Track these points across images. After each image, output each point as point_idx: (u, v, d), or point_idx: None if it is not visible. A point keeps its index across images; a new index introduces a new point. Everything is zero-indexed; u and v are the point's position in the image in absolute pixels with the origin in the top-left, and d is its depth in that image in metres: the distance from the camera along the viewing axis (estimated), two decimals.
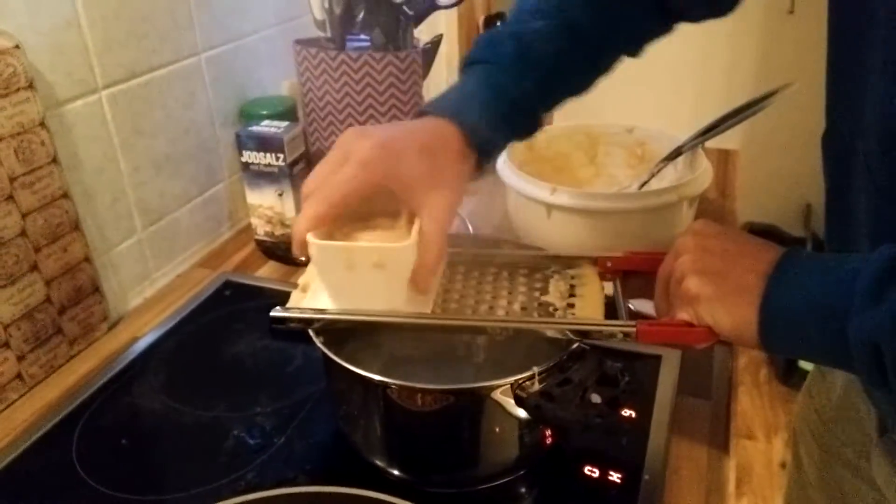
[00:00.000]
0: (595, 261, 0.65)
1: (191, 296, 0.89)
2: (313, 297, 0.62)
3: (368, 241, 0.56)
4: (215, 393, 0.73)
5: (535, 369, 0.54)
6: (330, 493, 0.53)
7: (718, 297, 0.50)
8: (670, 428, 0.66)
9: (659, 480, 0.61)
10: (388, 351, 0.68)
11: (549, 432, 0.61)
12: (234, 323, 0.85)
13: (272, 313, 0.59)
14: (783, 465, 1.69)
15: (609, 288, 0.64)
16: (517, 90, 0.60)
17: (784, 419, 1.81)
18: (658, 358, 0.74)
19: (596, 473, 0.62)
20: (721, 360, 0.75)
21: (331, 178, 0.54)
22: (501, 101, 0.60)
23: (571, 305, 0.61)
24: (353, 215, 0.58)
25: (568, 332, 0.56)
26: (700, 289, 0.51)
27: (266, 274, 0.95)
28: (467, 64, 0.63)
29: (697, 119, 0.97)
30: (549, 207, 0.86)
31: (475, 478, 0.62)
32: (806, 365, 1.87)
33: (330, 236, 0.55)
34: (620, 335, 0.55)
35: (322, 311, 0.60)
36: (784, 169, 2.01)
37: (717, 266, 0.51)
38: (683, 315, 0.53)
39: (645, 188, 0.95)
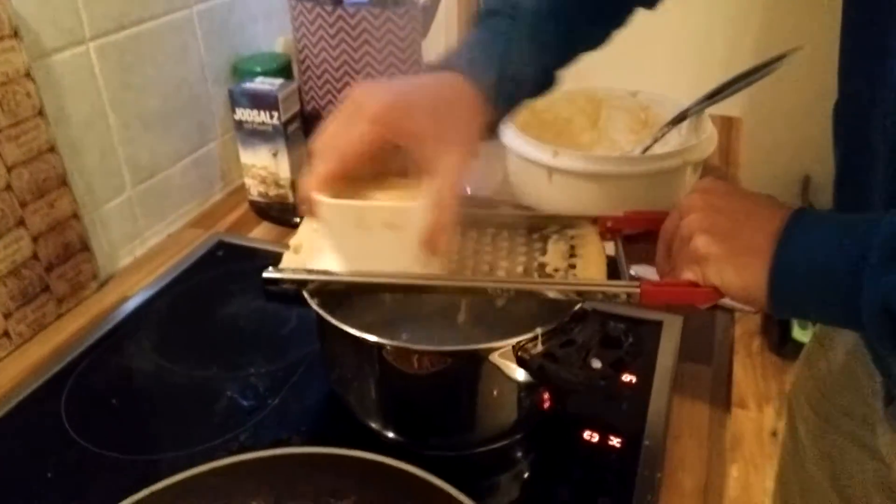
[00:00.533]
0: (595, 220, 0.64)
1: (182, 256, 0.87)
2: (306, 257, 0.61)
3: (380, 201, 0.53)
4: (208, 354, 0.72)
5: (539, 330, 0.53)
6: (325, 455, 0.52)
7: (727, 256, 0.49)
8: (671, 393, 0.65)
9: (660, 445, 0.60)
10: (384, 313, 0.66)
11: (547, 396, 0.60)
12: (227, 284, 0.83)
13: (265, 274, 0.57)
14: (774, 434, 1.70)
15: (610, 248, 0.62)
16: (534, 44, 0.58)
17: (776, 388, 1.81)
18: (659, 324, 0.73)
19: (595, 438, 0.61)
20: (722, 326, 0.74)
21: (341, 135, 0.51)
22: (517, 56, 0.57)
23: (572, 266, 0.59)
24: (363, 174, 0.55)
25: (570, 293, 0.55)
26: (708, 248, 0.49)
27: (260, 235, 0.93)
28: (483, 15, 0.60)
29: (699, 83, 0.95)
30: (551, 171, 0.85)
31: (471, 441, 0.61)
32: (799, 335, 1.87)
33: (339, 196, 0.53)
34: (624, 295, 0.54)
35: (316, 271, 0.58)
36: (784, 139, 1.99)
37: (726, 225, 0.50)
38: (689, 275, 0.51)
39: (648, 153, 0.93)
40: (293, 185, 0.94)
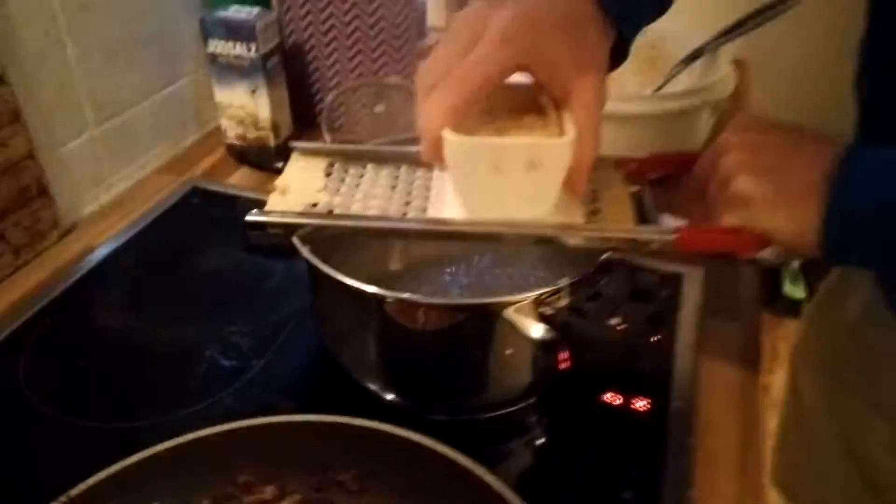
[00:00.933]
0: (617, 163, 0.58)
1: (153, 203, 0.80)
2: (295, 200, 0.54)
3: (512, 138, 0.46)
4: (184, 310, 0.65)
5: (564, 282, 0.46)
6: (321, 423, 0.46)
7: (775, 198, 0.44)
8: (697, 349, 0.60)
9: (689, 407, 0.55)
10: (383, 263, 0.60)
11: (564, 355, 0.54)
12: (204, 234, 0.76)
13: (248, 217, 0.50)
14: (763, 390, 1.68)
15: None
16: None
17: (767, 344, 1.79)
18: (678, 276, 0.67)
19: (618, 401, 0.55)
20: (747, 278, 0.68)
21: (463, 61, 0.44)
22: None
23: (595, 212, 0.53)
24: (478, 112, 0.48)
25: (598, 240, 0.49)
26: (753, 190, 0.44)
27: (238, 181, 0.86)
28: None
29: (705, 19, 0.88)
30: None
31: (481, 405, 0.55)
32: (791, 291, 1.84)
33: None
34: (658, 242, 0.48)
35: (308, 214, 0.51)
36: (782, 89, 1.93)
37: (772, 163, 0.44)
38: (731, 220, 0.46)
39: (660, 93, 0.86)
40: (274, 127, 0.86)
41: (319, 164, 0.59)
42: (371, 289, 0.47)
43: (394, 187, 0.56)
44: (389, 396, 0.55)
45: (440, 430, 0.46)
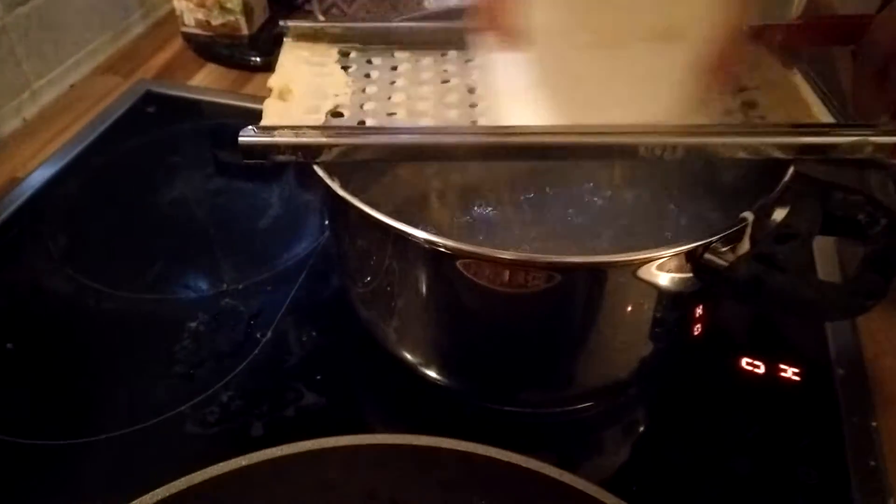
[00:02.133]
0: (755, 33, 0.41)
1: (95, 115, 0.63)
2: (304, 107, 0.37)
3: None
4: (150, 263, 0.48)
5: (749, 215, 0.31)
6: (387, 447, 0.30)
7: None
8: None
9: (861, 374, 0.41)
10: (419, 189, 0.44)
11: (700, 313, 0.38)
12: (167, 154, 0.60)
13: (242, 138, 0.33)
14: None
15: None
16: None
17: None
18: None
19: (761, 369, 0.41)
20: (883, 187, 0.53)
21: None
22: None
23: (750, 105, 0.37)
24: None
25: (778, 148, 0.33)
26: None
27: (204, 82, 0.69)
28: None
29: None
30: None
31: (584, 392, 0.40)
32: None
33: None
34: (871, 148, 0.33)
35: (335, 129, 0.34)
36: None
37: None
38: None
39: None
40: (246, 9, 0.67)
41: (328, 54, 0.43)
42: (449, 243, 0.31)
43: (446, 82, 0.40)
44: (447, 381, 0.40)
45: (523, 426, 0.35)
